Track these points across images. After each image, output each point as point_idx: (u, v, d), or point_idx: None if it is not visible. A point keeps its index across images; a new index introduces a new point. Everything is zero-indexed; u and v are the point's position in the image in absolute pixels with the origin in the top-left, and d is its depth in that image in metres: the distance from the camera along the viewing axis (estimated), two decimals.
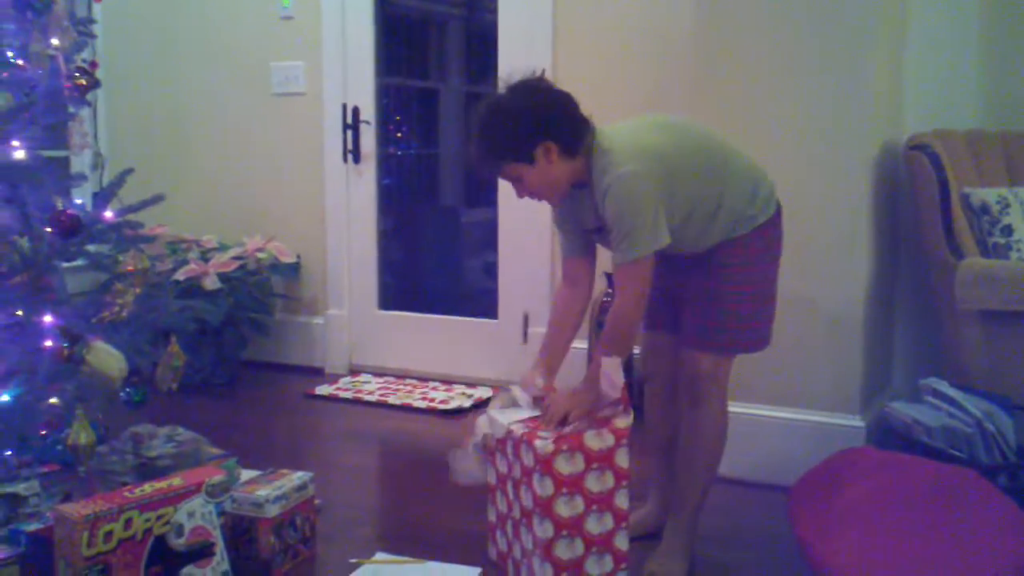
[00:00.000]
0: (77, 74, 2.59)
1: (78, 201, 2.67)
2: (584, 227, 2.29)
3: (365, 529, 2.66)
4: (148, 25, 4.66)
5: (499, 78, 2.23)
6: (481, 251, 4.46)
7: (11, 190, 2.44)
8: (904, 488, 2.17)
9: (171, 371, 2.72)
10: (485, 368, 4.12)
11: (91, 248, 2.68)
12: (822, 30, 2.74)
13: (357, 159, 4.30)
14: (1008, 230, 2.89)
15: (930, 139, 2.95)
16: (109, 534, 1.94)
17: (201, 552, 2.10)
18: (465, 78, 4.98)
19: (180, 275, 3.99)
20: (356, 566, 2.34)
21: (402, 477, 3.16)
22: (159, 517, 2.03)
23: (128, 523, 1.97)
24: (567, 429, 2.10)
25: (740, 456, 2.71)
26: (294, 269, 4.37)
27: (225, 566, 2.15)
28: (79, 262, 2.73)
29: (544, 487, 2.07)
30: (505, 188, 3.87)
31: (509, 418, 2.22)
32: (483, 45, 4.19)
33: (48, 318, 2.41)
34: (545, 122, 2.12)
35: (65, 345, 2.34)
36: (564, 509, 2.09)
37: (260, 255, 4.22)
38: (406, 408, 3.81)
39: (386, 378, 4.24)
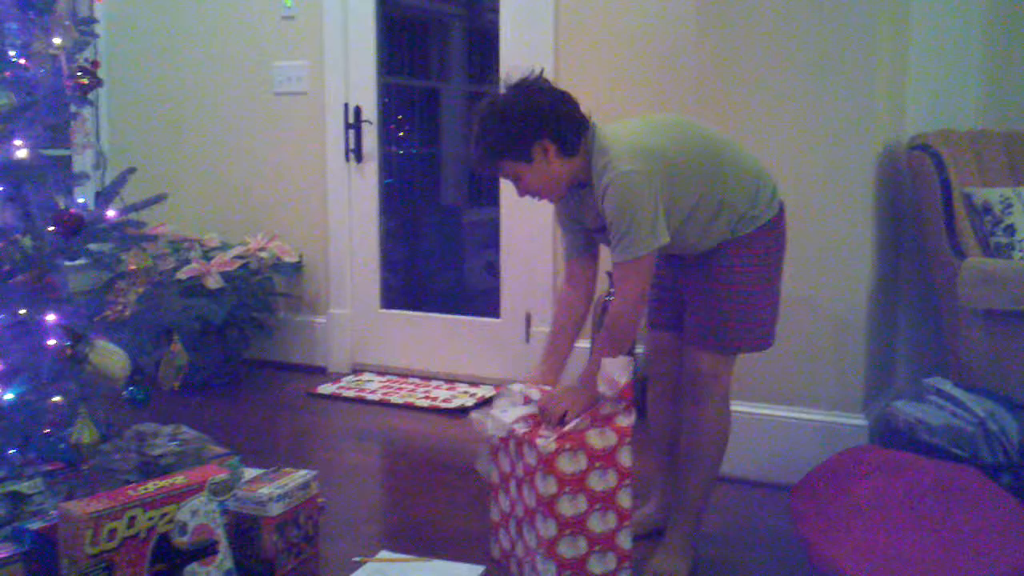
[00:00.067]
0: (79, 73, 2.59)
1: (80, 200, 2.66)
2: (586, 226, 2.29)
3: (368, 527, 2.67)
4: (150, 24, 4.66)
5: (500, 78, 2.24)
6: (483, 250, 4.46)
7: (14, 189, 2.44)
8: (907, 487, 2.17)
9: (174, 370, 2.72)
10: (488, 367, 4.12)
11: (93, 247, 2.68)
12: (824, 31, 2.74)
13: (359, 158, 4.30)
14: (1011, 230, 2.89)
15: (933, 139, 2.95)
16: (113, 532, 1.95)
17: (204, 550, 2.10)
18: (466, 78, 4.98)
19: (183, 274, 3.99)
20: (359, 564, 2.34)
21: (405, 476, 3.16)
22: (162, 515, 2.03)
23: (132, 521, 1.98)
24: (568, 427, 2.10)
25: (743, 455, 2.71)
26: (296, 268, 4.37)
27: (228, 564, 2.15)
28: (81, 261, 2.73)
29: (547, 486, 2.07)
30: (507, 187, 3.89)
31: (511, 416, 2.22)
32: (485, 45, 4.19)
33: (51, 317, 2.41)
34: (543, 121, 2.13)
35: (68, 344, 2.34)
36: (567, 508, 2.09)
37: (262, 254, 4.22)
38: (409, 407, 3.81)
39: (388, 377, 4.24)
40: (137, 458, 2.50)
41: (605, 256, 2.31)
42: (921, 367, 3.09)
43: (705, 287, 2.27)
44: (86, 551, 1.91)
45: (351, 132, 4.28)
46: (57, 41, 2.54)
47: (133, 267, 2.68)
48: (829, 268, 2.79)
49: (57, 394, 2.48)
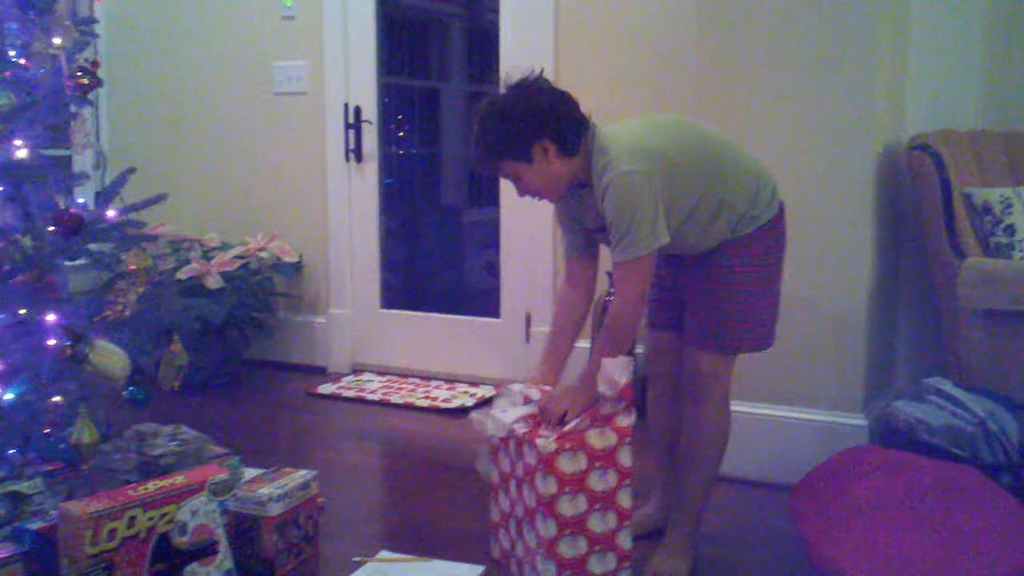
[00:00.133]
0: (79, 73, 2.59)
1: (80, 200, 2.66)
2: (586, 226, 2.29)
3: (368, 527, 2.67)
4: (150, 24, 4.66)
5: (500, 78, 2.24)
6: (483, 250, 4.46)
7: (14, 189, 2.44)
8: (907, 487, 2.17)
9: (174, 370, 2.72)
10: (487, 367, 4.12)
11: (93, 247, 2.68)
12: (824, 31, 2.74)
13: (359, 158, 4.30)
14: (1011, 230, 2.89)
15: (933, 139, 2.95)
16: (113, 532, 1.95)
17: (204, 550, 2.10)
18: (466, 78, 4.98)
19: (182, 274, 3.99)
20: (359, 564, 2.34)
21: (405, 476, 3.16)
22: (162, 515, 2.03)
23: (132, 521, 1.98)
24: (568, 427, 2.10)
25: (743, 455, 2.71)
26: (296, 268, 4.37)
27: (228, 564, 2.15)
28: (81, 261, 2.73)
29: (547, 486, 2.07)
30: (507, 187, 3.89)
31: (511, 416, 2.22)
32: (485, 45, 4.19)
33: (51, 317, 2.41)
34: (542, 121, 2.13)
35: (68, 344, 2.34)
36: (567, 508, 2.09)
37: (262, 254, 4.22)
38: (408, 407, 3.81)
39: (388, 377, 4.24)
40: (137, 458, 2.50)
41: (605, 256, 2.31)
42: (921, 367, 3.09)
43: (705, 287, 2.27)
44: (86, 551, 1.91)
45: (351, 132, 4.28)
46: (57, 41, 2.54)
47: (133, 267, 2.68)
48: (829, 268, 2.79)
49: (57, 394, 2.48)
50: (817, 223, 2.76)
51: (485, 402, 3.79)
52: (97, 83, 2.65)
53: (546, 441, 2.07)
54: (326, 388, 4.06)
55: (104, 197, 2.69)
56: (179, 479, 2.13)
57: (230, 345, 4.12)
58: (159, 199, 2.79)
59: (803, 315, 2.76)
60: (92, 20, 2.86)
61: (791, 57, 2.79)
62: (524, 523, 2.19)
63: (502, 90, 2.19)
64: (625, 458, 2.14)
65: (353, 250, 4.37)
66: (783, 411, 2.87)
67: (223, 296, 3.98)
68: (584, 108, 2.21)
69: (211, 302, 3.92)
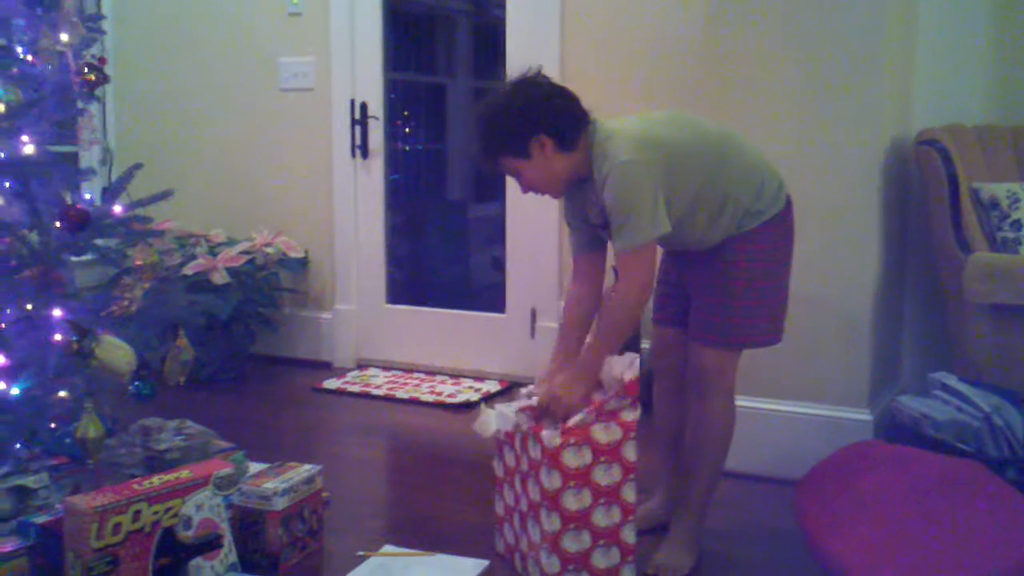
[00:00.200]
0: (86, 70, 2.60)
1: (87, 196, 2.67)
2: (591, 222, 2.29)
3: (373, 522, 2.67)
4: (156, 21, 4.67)
5: (507, 74, 2.25)
6: (488, 245, 4.46)
7: (21, 185, 2.45)
8: (912, 482, 2.17)
9: (179, 365, 2.73)
10: (493, 362, 4.13)
11: (100, 242, 2.69)
12: (832, 26, 2.73)
13: (365, 154, 4.30)
14: (1017, 225, 2.88)
15: (940, 134, 2.94)
16: (118, 526, 1.96)
17: (209, 544, 2.11)
18: (473, 74, 4.99)
19: (188, 269, 4.00)
20: (364, 558, 2.34)
21: (409, 470, 3.17)
22: (167, 509, 2.04)
23: (137, 515, 1.99)
24: (572, 421, 2.10)
25: (748, 450, 2.70)
26: (302, 264, 4.38)
27: (233, 558, 2.16)
28: (88, 256, 2.74)
29: (551, 480, 2.07)
30: (512, 182, 3.88)
31: (514, 407, 2.22)
32: (491, 41, 4.19)
33: (57, 312, 2.42)
34: (537, 116, 2.14)
35: (74, 339, 2.35)
36: (571, 502, 2.09)
37: (268, 250, 4.23)
38: (413, 402, 3.82)
39: (393, 372, 4.25)
40: (142, 452, 2.52)
41: (612, 252, 2.30)
42: (927, 362, 3.09)
43: (710, 283, 2.27)
44: (91, 545, 1.91)
45: (357, 128, 4.28)
46: (64, 37, 2.54)
47: (139, 263, 2.69)
48: (835, 262, 2.78)
49: (63, 389, 2.48)
50: (823, 218, 2.75)
51: (489, 397, 3.80)
52: (104, 79, 2.66)
53: (551, 435, 2.08)
54: (331, 383, 4.06)
55: (111, 193, 2.70)
56: (184, 473, 2.13)
57: (236, 340, 4.13)
58: (166, 195, 2.79)
59: (809, 310, 2.75)
60: (99, 16, 2.87)
61: (798, 52, 2.78)
62: (528, 517, 2.19)
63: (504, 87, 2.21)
64: (630, 453, 2.14)
65: (359, 246, 4.38)
66: (788, 406, 2.87)
67: (229, 292, 3.99)
68: (589, 103, 2.21)
69: (217, 298, 3.93)
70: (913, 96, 3.19)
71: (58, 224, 2.48)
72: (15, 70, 2.49)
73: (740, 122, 2.73)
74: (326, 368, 4.36)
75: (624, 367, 2.14)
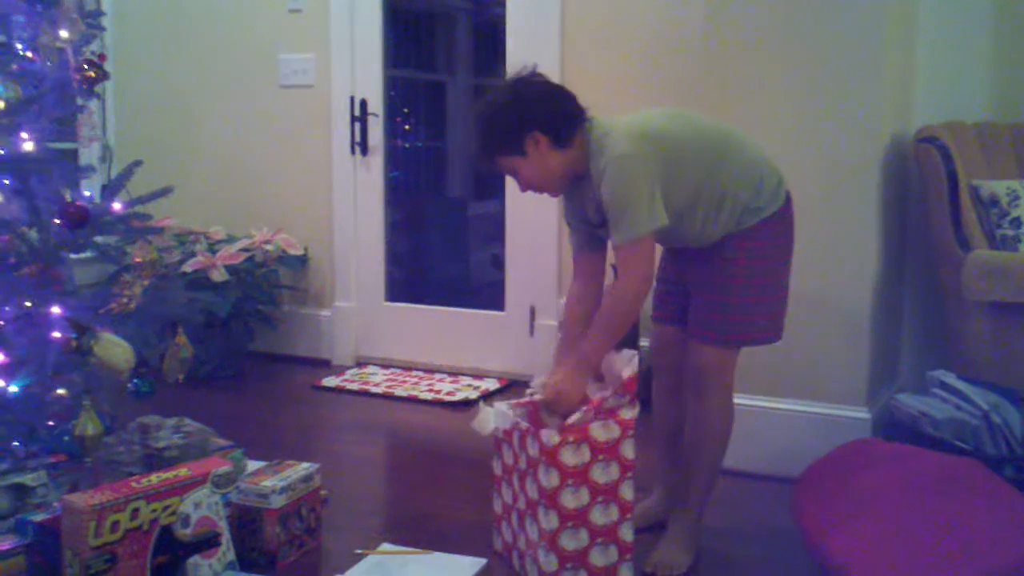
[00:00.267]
0: (86, 66, 2.59)
1: (86, 193, 2.67)
2: (590, 221, 2.29)
3: (371, 520, 2.67)
4: (156, 17, 4.67)
5: (507, 72, 2.26)
6: (488, 243, 4.46)
7: (20, 182, 2.45)
8: (910, 480, 2.17)
9: (178, 362, 2.73)
10: (492, 360, 4.13)
11: (99, 240, 2.69)
12: (832, 23, 2.73)
13: (365, 151, 4.30)
14: (1017, 222, 2.88)
15: (940, 131, 2.94)
16: (116, 524, 1.95)
17: (207, 542, 2.11)
18: (473, 71, 4.99)
19: (188, 267, 4.00)
20: (361, 557, 2.34)
21: (408, 468, 3.17)
22: (165, 507, 2.04)
23: (135, 513, 1.99)
24: (571, 419, 2.11)
25: (746, 448, 2.70)
26: (301, 261, 4.38)
27: (231, 556, 2.16)
28: (87, 254, 2.74)
29: (550, 478, 2.07)
30: (511, 180, 3.88)
31: (513, 402, 2.22)
32: (491, 38, 4.19)
33: (56, 309, 2.41)
34: (531, 114, 2.15)
35: (73, 336, 2.35)
36: (569, 500, 2.09)
37: (267, 247, 4.23)
38: (412, 400, 3.82)
39: (392, 370, 4.25)
40: (141, 450, 2.52)
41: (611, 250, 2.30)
42: (926, 360, 3.09)
43: (709, 280, 2.26)
44: (89, 543, 1.91)
45: (357, 125, 4.28)
46: (64, 34, 2.54)
47: (139, 260, 2.69)
48: (834, 260, 2.78)
49: (61, 386, 2.48)
50: (823, 215, 2.75)
51: (488, 396, 3.80)
52: (104, 76, 2.65)
53: (550, 433, 2.08)
54: (330, 381, 4.06)
55: (110, 190, 2.70)
56: (182, 471, 2.13)
57: (235, 338, 4.13)
58: (165, 192, 2.79)
59: (807, 307, 2.75)
60: (99, 13, 2.87)
61: (798, 50, 2.78)
62: (526, 516, 2.19)
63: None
64: (628, 451, 2.14)
65: (358, 243, 4.38)
66: (787, 404, 2.87)
67: (228, 289, 3.99)
68: (588, 101, 2.21)
69: (216, 295, 3.93)
70: (913, 93, 3.18)
71: (57, 221, 2.47)
72: (15, 66, 2.49)
73: (739, 120, 2.72)
74: (325, 366, 4.36)
75: (623, 364, 2.14)
